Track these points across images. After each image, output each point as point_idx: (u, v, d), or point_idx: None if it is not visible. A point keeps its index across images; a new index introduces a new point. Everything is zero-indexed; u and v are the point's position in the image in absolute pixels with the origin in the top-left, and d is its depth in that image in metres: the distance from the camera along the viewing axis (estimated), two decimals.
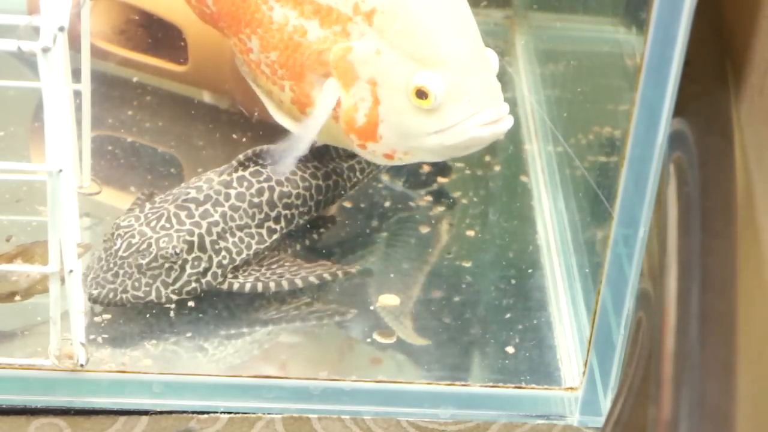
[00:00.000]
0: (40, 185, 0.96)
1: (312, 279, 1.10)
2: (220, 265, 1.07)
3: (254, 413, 1.03)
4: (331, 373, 1.05)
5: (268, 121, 1.34)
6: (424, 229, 1.23)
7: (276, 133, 1.35)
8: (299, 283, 1.09)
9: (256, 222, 1.10)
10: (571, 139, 1.24)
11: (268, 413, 1.03)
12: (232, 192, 1.09)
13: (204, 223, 1.07)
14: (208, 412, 1.03)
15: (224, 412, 1.03)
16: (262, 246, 1.10)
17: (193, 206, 1.08)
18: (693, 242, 0.97)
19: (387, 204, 1.25)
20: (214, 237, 1.07)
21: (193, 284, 1.07)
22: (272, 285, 1.08)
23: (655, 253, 1.01)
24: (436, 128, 1.03)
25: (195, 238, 1.06)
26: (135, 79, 1.39)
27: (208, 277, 1.07)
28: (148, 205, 1.09)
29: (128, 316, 1.08)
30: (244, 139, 1.33)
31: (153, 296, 1.05)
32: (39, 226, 1.15)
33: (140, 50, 1.38)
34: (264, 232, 1.10)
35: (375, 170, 1.21)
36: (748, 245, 0.93)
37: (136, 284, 1.05)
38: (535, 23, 1.52)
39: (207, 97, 1.38)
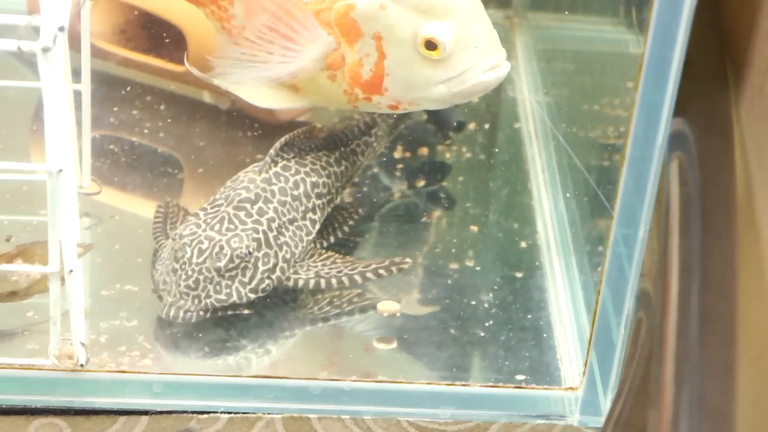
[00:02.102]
0: (40, 185, 0.96)
1: (369, 275, 1.11)
2: (284, 259, 1.09)
3: (254, 413, 1.03)
4: (330, 374, 1.05)
5: (267, 121, 1.35)
6: (423, 229, 1.23)
7: (276, 131, 1.35)
8: (358, 279, 1.10)
9: (300, 214, 1.11)
10: (571, 139, 1.24)
11: (268, 413, 1.03)
12: (275, 188, 1.11)
13: (263, 220, 1.08)
14: (208, 412, 1.03)
15: (224, 412, 1.03)
16: (310, 237, 1.12)
17: (248, 205, 1.09)
18: (693, 242, 0.97)
19: (385, 203, 1.25)
20: (275, 233, 1.08)
21: (266, 281, 1.08)
22: (334, 281, 1.10)
23: (655, 253, 1.01)
24: (444, 77, 1.05)
25: (261, 235, 1.07)
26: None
27: (277, 273, 1.08)
28: (201, 212, 1.09)
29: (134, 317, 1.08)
30: (244, 139, 1.33)
31: (235, 297, 1.06)
32: (39, 226, 1.15)
33: (140, 50, 1.38)
34: (308, 223, 1.12)
35: (373, 152, 1.23)
36: (748, 245, 0.93)
37: (218, 288, 1.05)
38: (535, 23, 1.52)
39: (207, 97, 1.38)
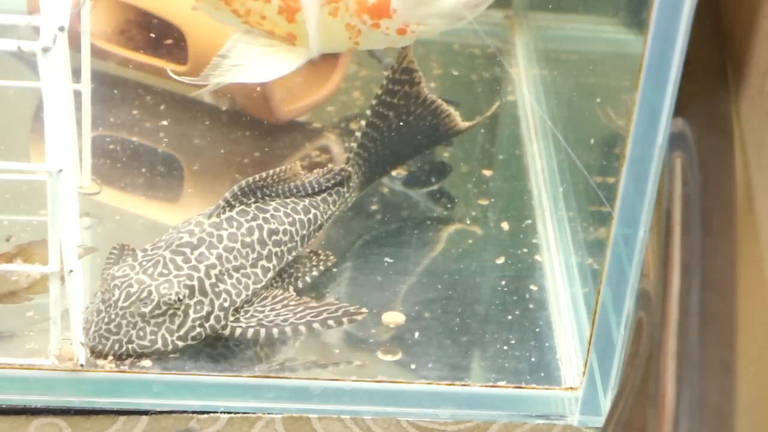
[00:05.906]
0: (40, 185, 0.96)
1: (316, 325, 1.06)
2: (221, 307, 1.05)
3: (254, 413, 1.03)
4: (332, 375, 1.05)
5: (268, 120, 1.35)
6: (423, 230, 1.23)
7: (275, 132, 1.35)
8: (303, 329, 1.06)
9: (250, 262, 1.08)
10: (571, 139, 1.24)
11: (268, 413, 1.03)
12: (224, 233, 1.08)
13: (202, 267, 1.05)
14: (208, 412, 1.03)
15: (224, 412, 1.03)
16: (258, 285, 1.08)
17: (188, 250, 1.05)
18: (693, 242, 0.97)
19: (385, 204, 1.25)
20: (213, 280, 1.05)
21: (198, 329, 1.04)
22: (275, 331, 1.06)
23: (655, 253, 1.01)
24: None
25: (195, 282, 1.04)
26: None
27: (212, 321, 1.05)
28: (140, 254, 1.06)
29: None
30: (244, 139, 1.33)
31: (159, 344, 1.03)
32: (39, 226, 1.15)
33: (140, 50, 1.38)
34: (259, 271, 1.08)
35: (344, 203, 1.19)
36: (748, 245, 0.93)
37: (141, 333, 1.02)
38: (535, 23, 1.52)
39: (207, 97, 1.38)
